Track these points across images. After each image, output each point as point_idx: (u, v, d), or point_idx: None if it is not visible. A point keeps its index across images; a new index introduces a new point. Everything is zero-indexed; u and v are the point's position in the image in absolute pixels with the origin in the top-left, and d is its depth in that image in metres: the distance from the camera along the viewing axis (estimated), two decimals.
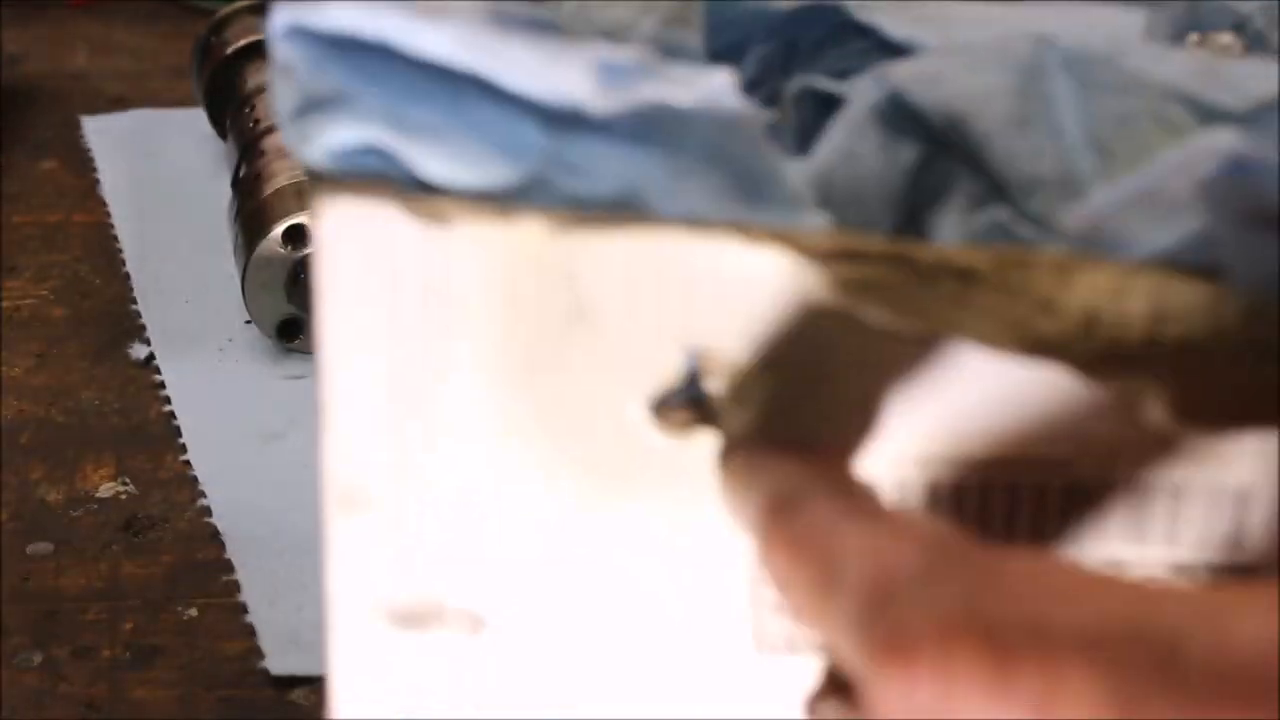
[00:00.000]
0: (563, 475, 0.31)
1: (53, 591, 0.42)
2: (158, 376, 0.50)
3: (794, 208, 0.29)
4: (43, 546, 0.43)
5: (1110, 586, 0.23)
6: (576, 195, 0.29)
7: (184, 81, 0.65)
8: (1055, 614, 0.22)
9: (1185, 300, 0.27)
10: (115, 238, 0.57)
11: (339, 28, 0.28)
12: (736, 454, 0.29)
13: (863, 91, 0.32)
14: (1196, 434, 0.28)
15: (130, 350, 0.51)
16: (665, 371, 0.30)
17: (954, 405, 0.29)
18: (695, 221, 0.28)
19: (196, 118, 0.64)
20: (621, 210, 0.29)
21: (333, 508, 0.32)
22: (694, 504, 0.31)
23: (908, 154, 0.32)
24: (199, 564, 0.43)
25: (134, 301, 0.54)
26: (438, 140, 0.28)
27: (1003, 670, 0.22)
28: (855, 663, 0.24)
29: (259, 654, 0.40)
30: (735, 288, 0.29)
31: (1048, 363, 0.27)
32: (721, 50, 0.36)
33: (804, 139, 0.32)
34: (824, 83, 0.33)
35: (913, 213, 0.31)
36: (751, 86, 0.35)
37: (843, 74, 0.34)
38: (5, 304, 0.53)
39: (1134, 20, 0.35)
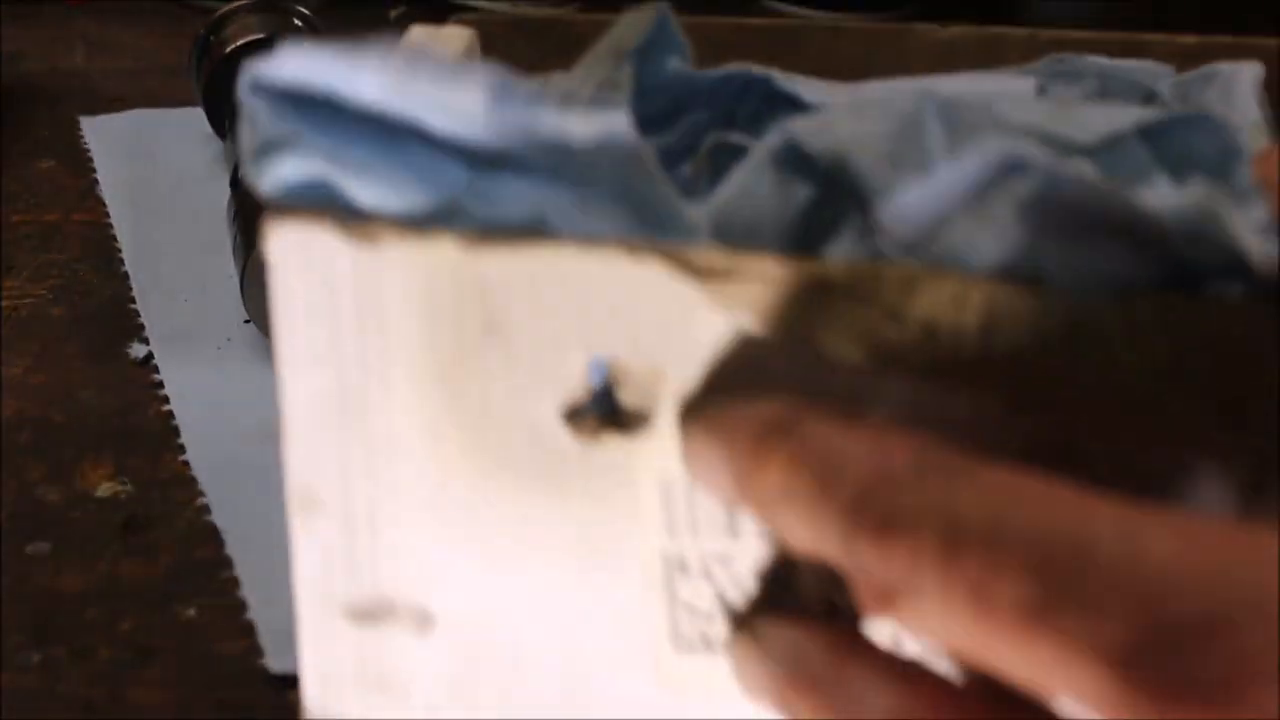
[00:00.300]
0: (490, 478, 0.34)
1: (51, 591, 0.42)
2: (156, 376, 0.50)
3: (690, 237, 0.32)
4: (41, 546, 0.43)
5: (1061, 498, 0.26)
6: (490, 220, 0.32)
7: (183, 80, 0.65)
8: (1009, 517, 0.25)
9: (1013, 310, 0.29)
10: (114, 237, 0.57)
11: (292, 80, 0.32)
12: (705, 408, 0.31)
13: (765, 140, 0.36)
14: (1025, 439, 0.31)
15: (129, 350, 0.51)
16: (572, 380, 0.32)
17: None
18: (589, 240, 0.31)
19: (195, 117, 0.64)
20: (528, 234, 0.32)
21: (294, 509, 0.35)
22: (609, 505, 0.33)
23: (802, 193, 0.35)
24: (197, 564, 0.43)
25: (133, 301, 0.54)
26: (370, 174, 0.32)
27: (953, 558, 0.25)
28: (846, 551, 0.27)
29: (258, 653, 0.40)
30: (627, 302, 0.31)
31: (893, 370, 0.30)
32: (655, 115, 0.40)
33: (715, 186, 0.36)
34: (735, 136, 0.38)
35: (809, 245, 0.35)
36: (686, 148, 0.39)
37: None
38: (4, 303, 0.53)
39: (1027, 84, 0.39)
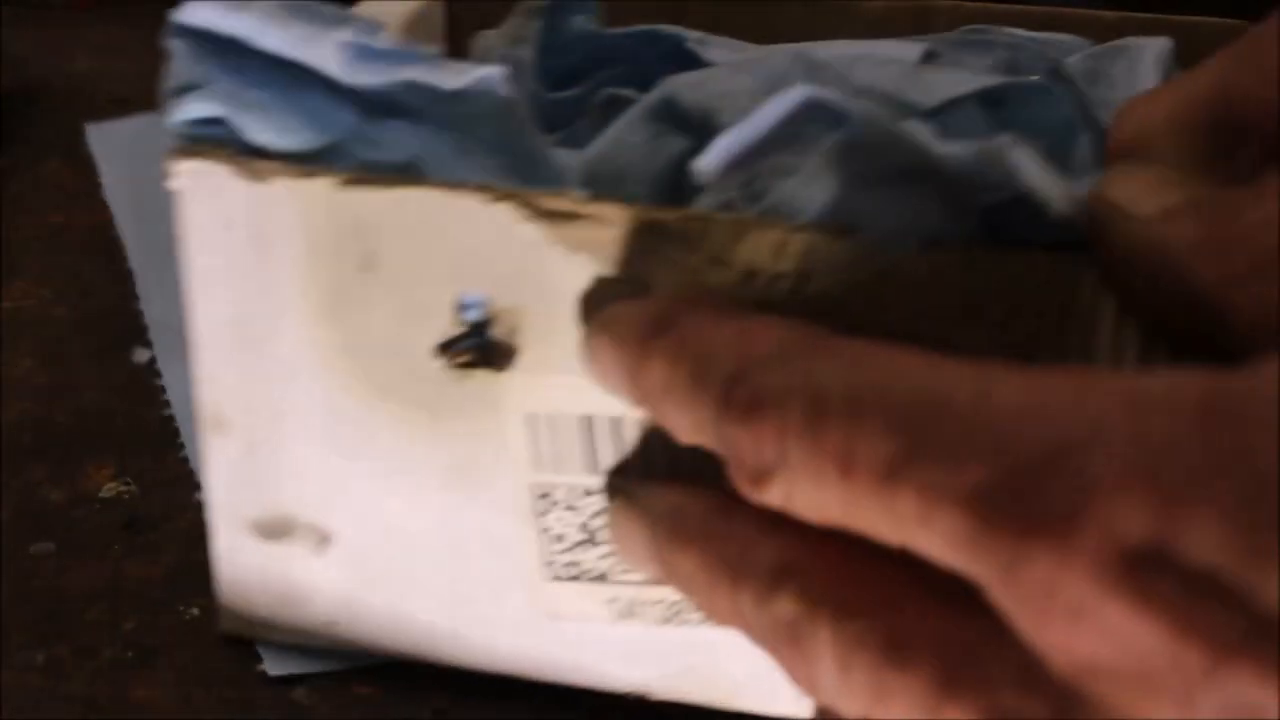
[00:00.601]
0: (376, 406, 0.36)
1: (54, 591, 0.42)
2: (159, 381, 0.50)
3: (558, 184, 0.34)
4: (44, 546, 0.43)
5: (914, 362, 0.26)
6: (370, 162, 0.34)
7: None
8: (866, 383, 0.26)
9: (828, 257, 0.31)
10: (117, 239, 0.57)
11: (201, 24, 0.35)
12: (600, 310, 0.32)
13: (647, 95, 0.38)
14: None
15: (132, 355, 0.52)
16: (443, 315, 0.34)
17: None
18: (452, 183, 0.33)
19: None
20: (399, 175, 0.34)
21: (204, 429, 0.37)
22: (479, 436, 0.35)
23: (675, 145, 0.37)
24: (200, 564, 0.43)
25: (136, 301, 0.54)
26: (265, 115, 0.35)
27: (818, 428, 0.26)
28: (720, 437, 0.28)
29: (258, 655, 0.40)
30: (488, 242, 0.33)
31: None
32: (566, 71, 0.43)
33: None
34: (629, 91, 0.40)
35: (681, 195, 0.36)
36: (591, 102, 0.42)
37: None
38: (7, 305, 0.53)
39: (914, 51, 0.41)
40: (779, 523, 0.29)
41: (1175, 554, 0.22)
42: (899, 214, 0.31)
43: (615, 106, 0.40)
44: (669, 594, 0.36)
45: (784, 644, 0.27)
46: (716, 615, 0.29)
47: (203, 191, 0.35)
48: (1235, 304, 0.27)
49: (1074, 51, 0.43)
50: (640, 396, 0.31)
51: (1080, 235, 0.31)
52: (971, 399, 0.25)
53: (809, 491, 0.26)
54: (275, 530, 0.38)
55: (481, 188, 0.33)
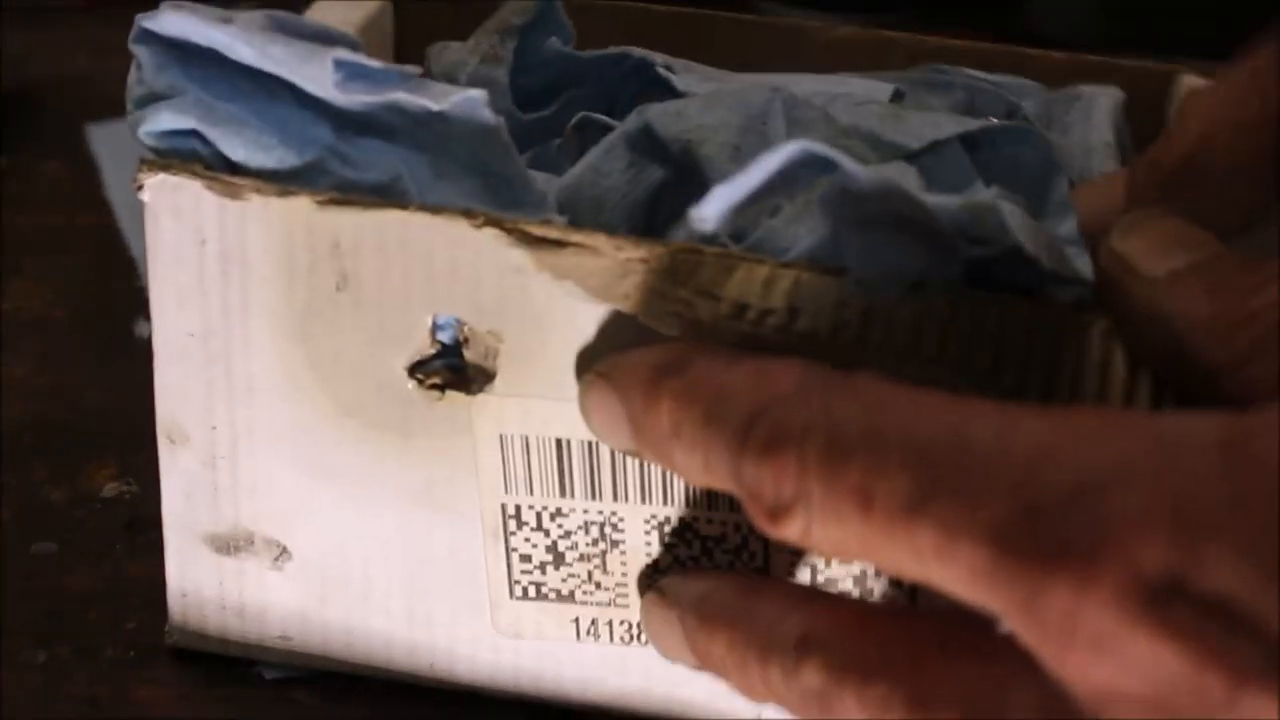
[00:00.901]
0: (343, 425, 0.36)
1: (55, 591, 0.42)
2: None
3: (538, 209, 0.34)
4: (46, 546, 0.44)
5: (934, 400, 0.27)
6: (349, 182, 0.34)
7: None
8: (886, 421, 0.27)
9: (816, 295, 0.31)
10: (118, 239, 0.57)
11: (175, 34, 0.34)
12: (601, 363, 0.32)
13: (625, 122, 0.38)
14: None
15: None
16: (419, 337, 0.34)
17: None
18: (433, 207, 0.33)
19: None
20: (379, 197, 0.34)
21: (162, 440, 0.37)
22: (451, 457, 0.35)
23: (654, 175, 0.38)
24: None
25: (137, 298, 0.54)
26: (241, 130, 0.34)
27: (837, 464, 0.26)
28: (736, 475, 0.28)
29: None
30: (468, 266, 0.33)
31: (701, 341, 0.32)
32: (537, 91, 0.43)
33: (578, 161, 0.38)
34: (598, 116, 0.40)
35: (655, 224, 0.37)
36: (561, 124, 0.41)
37: None
38: (8, 305, 0.53)
39: (884, 89, 0.42)
40: (803, 596, 0.30)
41: (1194, 584, 0.23)
42: (885, 257, 0.31)
43: (587, 130, 0.40)
44: (631, 615, 0.36)
45: (815, 712, 0.28)
46: (752, 693, 0.30)
47: (173, 205, 0.34)
48: (1238, 380, 0.28)
49: (1025, 95, 0.44)
50: (645, 441, 0.31)
51: (1066, 286, 0.31)
52: (993, 437, 0.25)
53: (828, 527, 0.27)
54: (230, 544, 0.38)
55: (465, 212, 0.33)
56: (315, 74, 0.34)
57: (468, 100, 0.34)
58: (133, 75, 0.35)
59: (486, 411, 0.35)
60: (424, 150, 0.35)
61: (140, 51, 0.35)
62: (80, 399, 0.49)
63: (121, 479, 0.46)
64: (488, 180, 0.35)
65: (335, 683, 0.39)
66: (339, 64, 0.34)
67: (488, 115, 0.34)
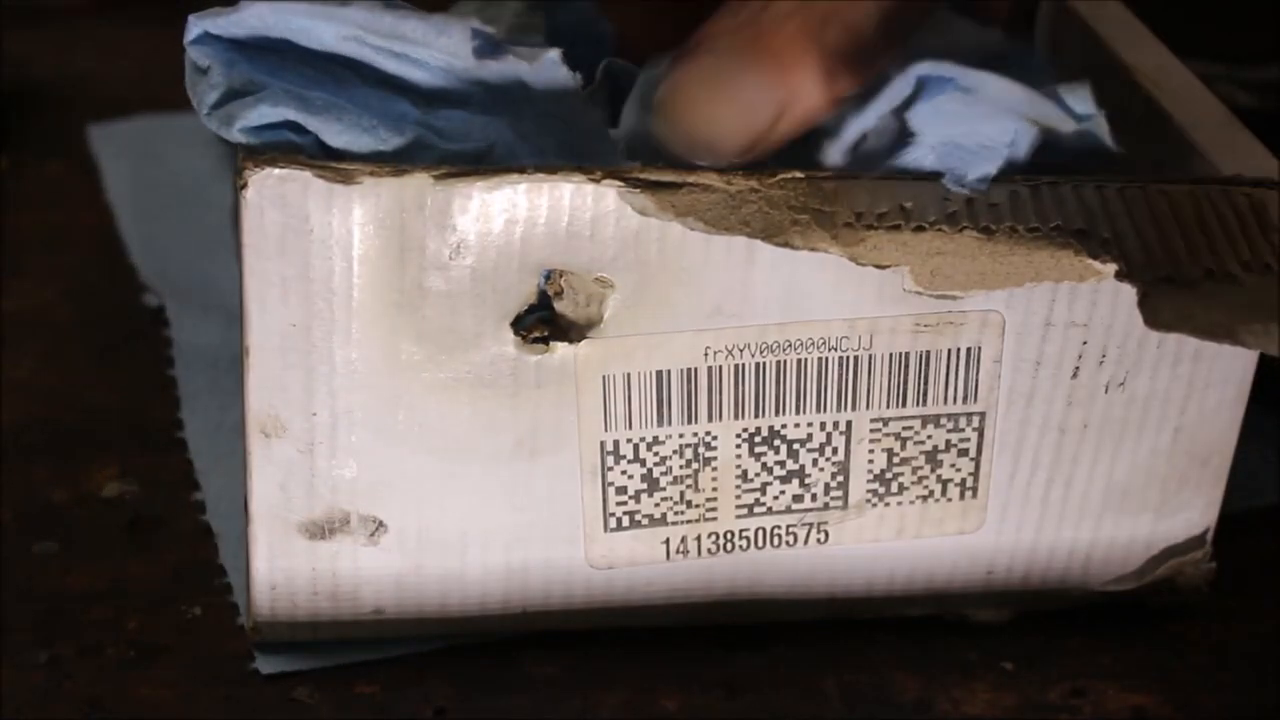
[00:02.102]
0: (445, 391, 0.36)
1: (57, 591, 0.42)
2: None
3: (613, 159, 0.36)
4: (47, 546, 0.44)
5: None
6: (451, 153, 0.36)
7: None
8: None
9: (920, 195, 0.36)
10: (118, 239, 0.57)
11: (249, 30, 0.35)
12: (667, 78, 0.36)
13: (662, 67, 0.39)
14: None
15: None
16: (527, 294, 0.36)
17: None
18: (549, 166, 0.35)
19: (201, 121, 0.64)
20: (482, 164, 0.35)
21: (254, 435, 0.37)
22: (556, 405, 0.37)
23: None
24: (202, 563, 0.43)
25: (138, 299, 0.54)
26: (341, 116, 0.35)
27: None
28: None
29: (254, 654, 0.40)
30: (581, 219, 0.35)
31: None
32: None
33: (613, 102, 0.40)
34: (622, 62, 0.41)
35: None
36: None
37: None
38: (10, 305, 0.53)
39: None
40: None
41: None
42: (975, 157, 0.36)
43: (620, 77, 0.41)
44: (719, 527, 0.38)
45: None
46: None
47: (279, 197, 0.34)
48: None
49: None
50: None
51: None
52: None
53: None
54: (326, 528, 0.38)
55: (582, 168, 0.35)
56: (454, 45, 0.35)
57: (549, 61, 0.35)
58: (194, 78, 0.35)
59: (591, 356, 0.36)
60: (502, 114, 0.36)
61: (198, 52, 0.35)
62: (81, 399, 0.49)
63: (123, 479, 0.46)
64: (563, 138, 0.36)
65: (335, 683, 0.39)
66: (476, 34, 0.35)
67: (566, 74, 0.35)
